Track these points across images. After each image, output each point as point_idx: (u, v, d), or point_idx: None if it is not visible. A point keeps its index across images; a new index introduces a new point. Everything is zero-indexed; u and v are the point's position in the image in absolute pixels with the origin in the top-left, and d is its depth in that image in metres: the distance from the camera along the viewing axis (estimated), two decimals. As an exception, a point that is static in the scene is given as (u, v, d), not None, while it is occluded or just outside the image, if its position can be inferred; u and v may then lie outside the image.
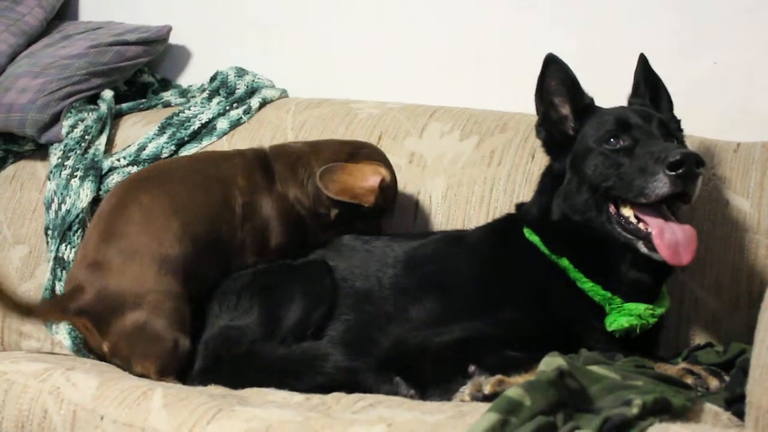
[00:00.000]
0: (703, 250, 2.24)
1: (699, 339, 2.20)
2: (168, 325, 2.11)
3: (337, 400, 1.80)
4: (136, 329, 2.10)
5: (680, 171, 1.90)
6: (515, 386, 1.48)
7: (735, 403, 1.72)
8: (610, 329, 2.01)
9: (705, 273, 2.25)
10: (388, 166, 2.38)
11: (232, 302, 2.20)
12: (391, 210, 2.43)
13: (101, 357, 2.22)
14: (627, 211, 2.00)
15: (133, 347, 2.11)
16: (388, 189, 2.34)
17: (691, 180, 1.92)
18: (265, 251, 2.32)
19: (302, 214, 2.34)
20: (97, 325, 2.15)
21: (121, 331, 2.12)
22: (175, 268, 2.15)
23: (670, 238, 1.94)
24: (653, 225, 1.96)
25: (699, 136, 2.36)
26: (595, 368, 1.72)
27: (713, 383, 1.86)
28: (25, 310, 2.15)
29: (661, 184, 1.91)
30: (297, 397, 1.83)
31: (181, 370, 2.13)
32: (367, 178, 2.29)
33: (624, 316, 2.00)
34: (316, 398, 1.82)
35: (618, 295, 2.03)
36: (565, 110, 2.18)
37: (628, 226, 1.99)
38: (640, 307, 2.00)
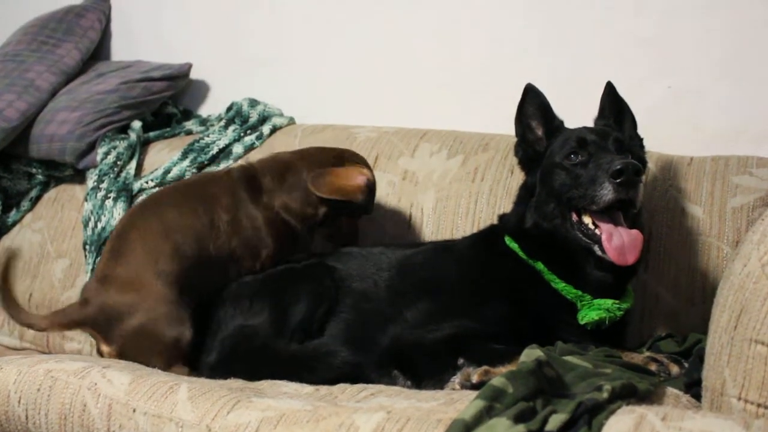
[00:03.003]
0: (663, 253, 2.25)
1: (660, 331, 2.19)
2: (165, 323, 2.11)
3: (343, 390, 1.79)
4: (136, 331, 2.11)
5: (622, 179, 1.90)
6: (499, 376, 1.47)
7: (693, 387, 1.72)
8: (582, 323, 2.01)
9: (664, 272, 2.24)
10: (368, 167, 2.37)
11: (245, 306, 2.19)
12: (371, 208, 2.39)
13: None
14: (587, 219, 2.00)
15: (139, 347, 2.11)
16: (371, 187, 2.33)
17: (633, 187, 1.92)
18: (259, 257, 2.30)
19: (288, 220, 2.30)
20: (100, 334, 2.15)
21: (123, 336, 2.12)
22: (170, 281, 2.15)
23: (616, 242, 1.94)
24: (604, 230, 1.96)
25: (657, 151, 2.36)
26: (569, 358, 1.71)
27: (674, 369, 1.86)
28: (28, 323, 2.18)
29: (606, 191, 1.92)
30: (307, 389, 1.82)
31: (188, 358, 2.13)
32: (355, 178, 2.28)
33: (594, 310, 2.00)
34: (324, 389, 1.81)
35: (587, 293, 2.02)
36: (540, 132, 2.18)
37: (587, 231, 1.99)
38: (608, 302, 2.00)
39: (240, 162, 2.46)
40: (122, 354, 2.13)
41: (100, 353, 2.22)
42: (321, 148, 2.43)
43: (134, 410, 1.67)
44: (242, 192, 2.31)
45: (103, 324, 2.14)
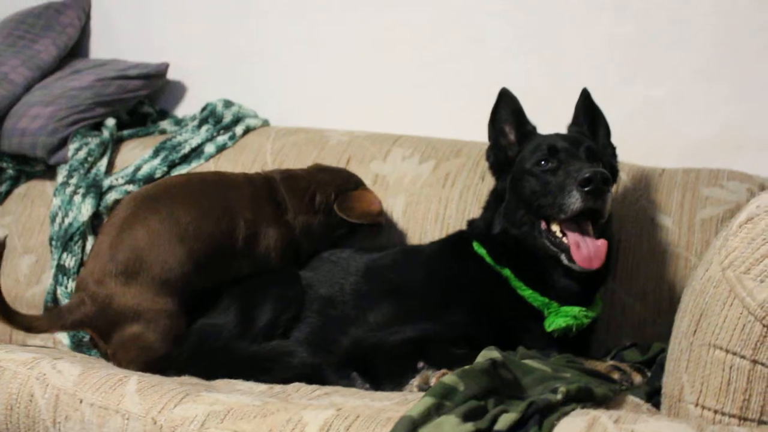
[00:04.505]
0: (632, 262, 2.22)
1: (626, 340, 2.13)
2: (162, 338, 2.04)
3: (297, 389, 1.76)
4: (132, 339, 2.03)
5: (590, 188, 1.87)
6: (451, 374, 1.43)
7: (654, 396, 1.68)
8: (549, 330, 1.97)
9: (632, 282, 2.21)
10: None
11: (211, 302, 2.15)
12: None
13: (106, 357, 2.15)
14: (555, 227, 1.97)
15: (127, 354, 2.04)
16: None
17: (600, 196, 1.90)
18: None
19: (301, 241, 2.29)
20: (99, 335, 2.09)
21: (120, 341, 2.05)
22: (173, 290, 2.07)
23: (583, 251, 1.92)
24: (571, 239, 1.93)
25: (629, 162, 2.33)
26: (528, 362, 1.68)
27: (637, 378, 1.82)
28: (27, 325, 2.09)
29: (574, 200, 1.89)
30: (261, 387, 1.80)
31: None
32: (374, 202, 2.35)
33: (561, 317, 1.97)
34: (278, 387, 1.78)
35: (554, 300, 1.99)
36: (512, 137, 2.16)
37: (555, 240, 1.96)
38: (575, 310, 1.97)
39: (257, 171, 2.43)
40: (114, 356, 2.07)
41: (95, 347, 2.19)
42: (335, 170, 2.45)
43: (81, 401, 1.64)
44: (266, 208, 2.26)
45: (102, 325, 2.06)
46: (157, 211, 2.14)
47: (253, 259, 2.22)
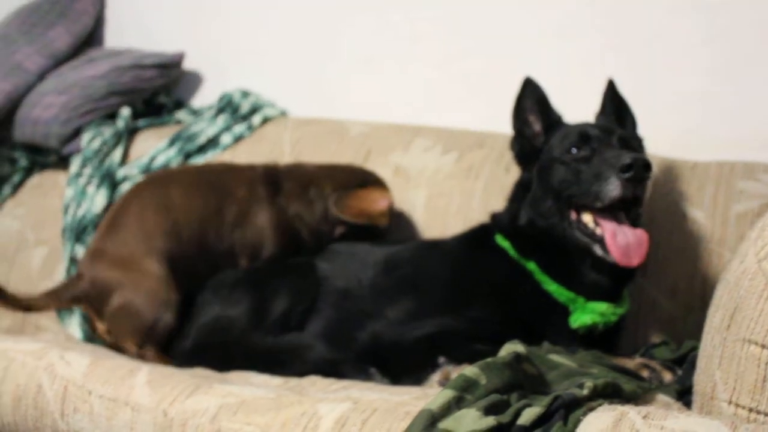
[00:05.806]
0: (662, 257, 2.18)
1: (655, 338, 2.12)
2: (147, 302, 2.07)
3: (313, 383, 1.75)
4: (120, 308, 2.08)
5: (631, 174, 1.83)
6: (472, 366, 1.41)
7: (685, 395, 1.65)
8: (574, 326, 1.94)
9: (663, 278, 2.17)
10: (388, 190, 2.37)
11: (225, 293, 2.15)
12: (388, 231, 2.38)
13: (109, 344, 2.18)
14: (587, 217, 1.93)
15: (120, 325, 2.09)
16: (393, 211, 2.33)
17: (641, 183, 1.86)
18: (257, 259, 2.28)
19: (299, 229, 2.30)
20: (93, 310, 2.14)
21: (111, 313, 2.10)
22: (159, 257, 2.13)
23: (621, 241, 1.87)
24: (607, 229, 1.89)
25: (661, 156, 2.30)
26: (553, 356, 1.66)
27: (667, 376, 1.79)
28: (25, 305, 2.16)
29: (613, 187, 1.84)
30: (276, 380, 1.79)
31: (165, 343, 2.09)
32: (378, 202, 2.28)
33: (587, 313, 1.94)
34: (293, 381, 1.77)
35: (581, 295, 1.96)
36: (537, 126, 2.13)
37: (586, 230, 1.92)
38: (602, 306, 1.94)
39: (264, 162, 2.46)
40: (110, 333, 2.11)
41: (95, 331, 2.20)
42: (347, 167, 2.43)
43: (90, 393, 1.63)
44: (261, 188, 2.30)
45: (95, 299, 2.12)
46: (151, 189, 2.26)
47: (245, 239, 2.25)
